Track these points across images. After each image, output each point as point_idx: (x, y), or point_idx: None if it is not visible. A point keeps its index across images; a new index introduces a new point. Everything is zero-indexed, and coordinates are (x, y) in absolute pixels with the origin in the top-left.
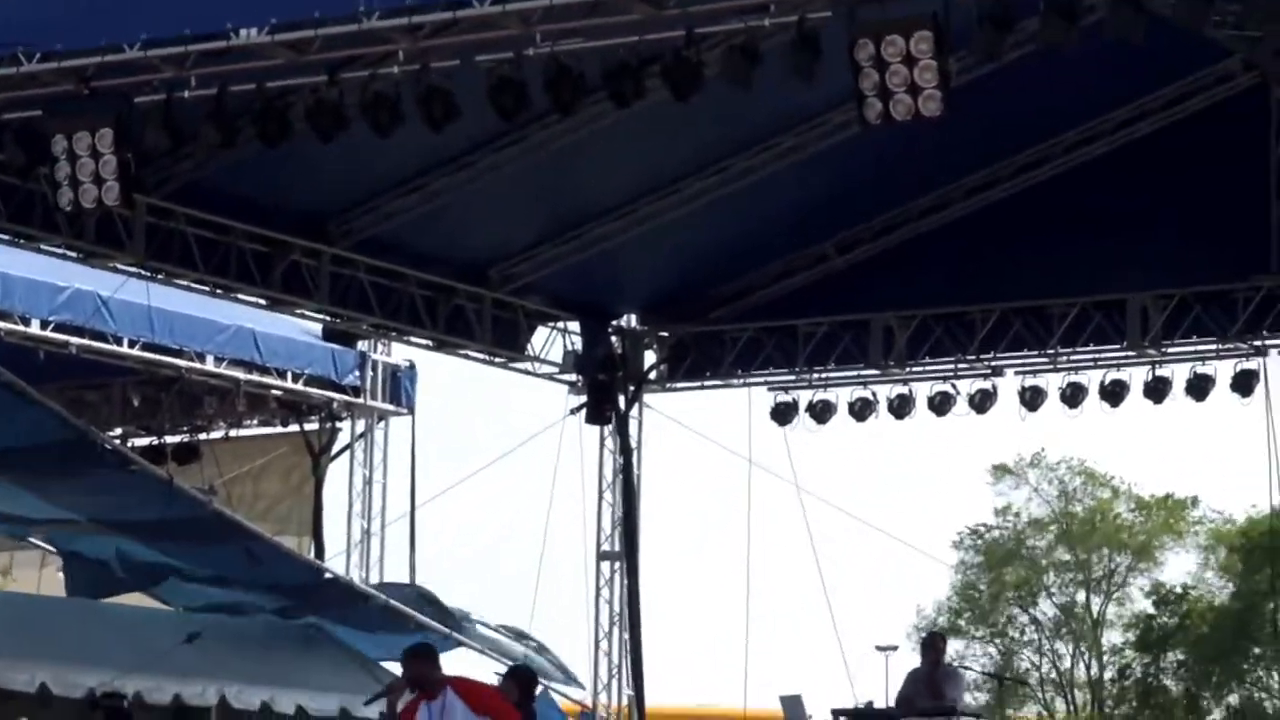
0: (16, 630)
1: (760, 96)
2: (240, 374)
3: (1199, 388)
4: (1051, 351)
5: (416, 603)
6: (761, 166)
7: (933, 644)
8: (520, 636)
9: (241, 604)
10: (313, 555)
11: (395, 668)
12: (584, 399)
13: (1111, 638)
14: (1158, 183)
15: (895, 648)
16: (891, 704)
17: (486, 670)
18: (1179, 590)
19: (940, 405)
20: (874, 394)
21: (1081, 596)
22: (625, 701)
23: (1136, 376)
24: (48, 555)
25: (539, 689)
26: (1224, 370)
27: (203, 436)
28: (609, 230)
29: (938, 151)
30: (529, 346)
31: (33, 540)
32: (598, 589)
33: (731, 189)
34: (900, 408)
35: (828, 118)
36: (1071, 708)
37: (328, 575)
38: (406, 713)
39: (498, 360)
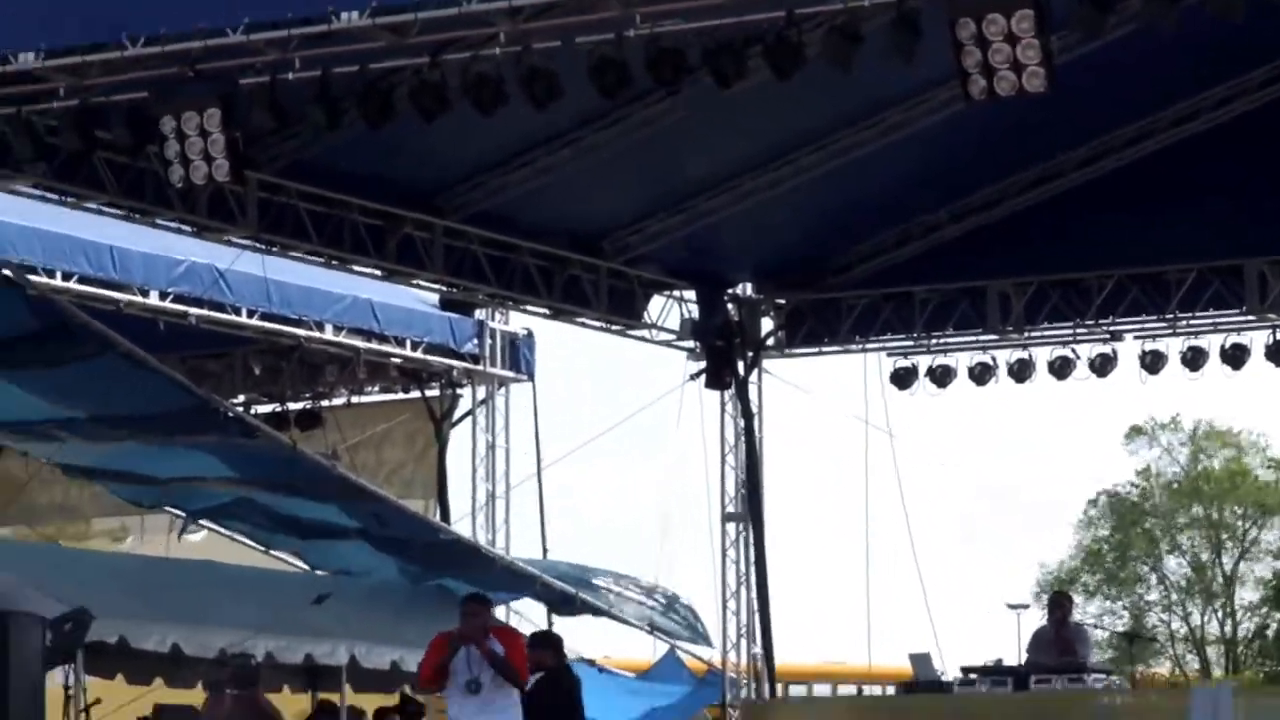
0: (148, 592)
1: (864, 72)
2: (360, 342)
3: None
4: (1170, 316)
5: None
6: (868, 141)
7: (1059, 602)
8: (650, 591)
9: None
10: (438, 519)
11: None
12: (703, 365)
13: (1246, 595)
14: (1263, 155)
15: (1026, 606)
16: (1021, 662)
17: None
18: None
19: (1060, 369)
20: (994, 358)
21: (1210, 556)
22: (754, 660)
23: (1258, 340)
24: (175, 520)
25: (666, 650)
26: None
27: (325, 403)
28: (715, 205)
29: (1044, 126)
30: (645, 314)
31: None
32: (724, 550)
33: (840, 162)
34: (1020, 372)
35: (933, 94)
36: (1204, 664)
37: (450, 537)
38: (441, 641)
39: (614, 328)
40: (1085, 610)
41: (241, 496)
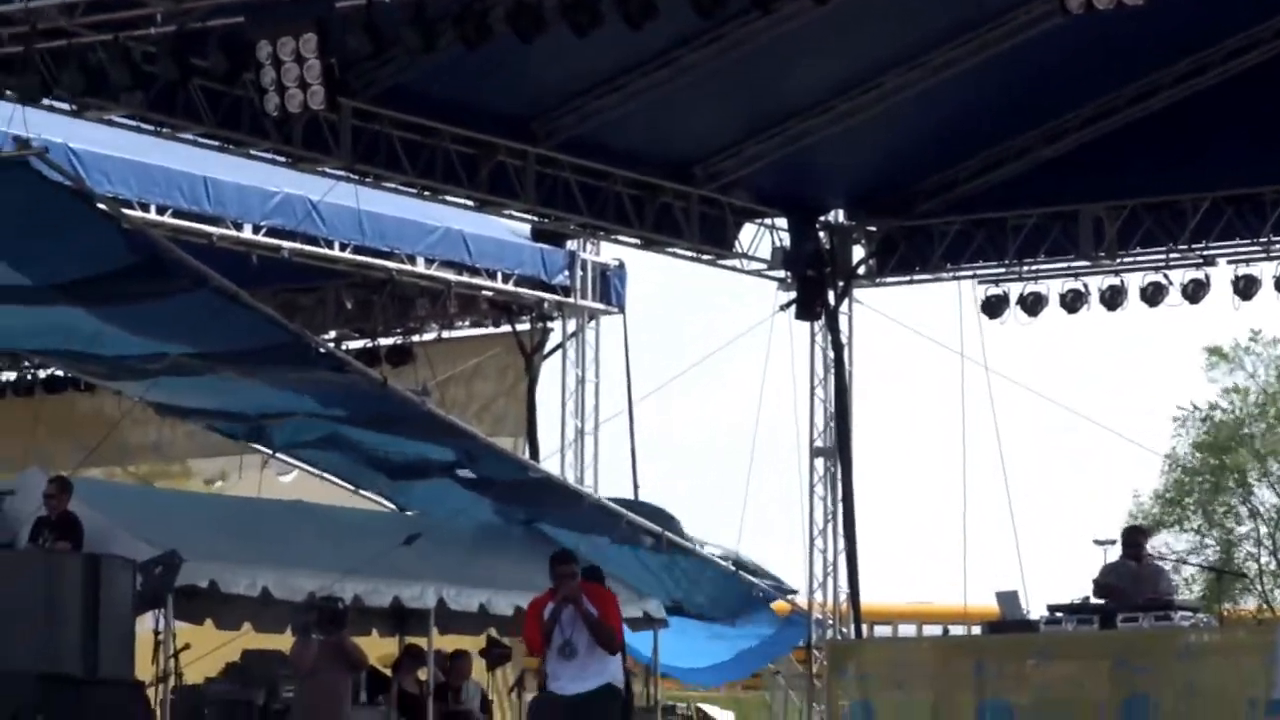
0: (238, 535)
1: None
2: (451, 275)
3: None
4: (1265, 240)
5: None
6: (963, 59)
7: (1134, 539)
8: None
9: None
10: (527, 456)
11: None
12: (793, 295)
13: None
14: None
15: (1113, 541)
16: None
17: None
18: None
19: (1153, 296)
20: (1085, 285)
21: None
22: (841, 600)
23: None
24: (268, 459)
25: (758, 591)
26: None
27: (415, 338)
28: (811, 126)
29: (1143, 38)
30: (736, 243)
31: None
32: (811, 486)
33: (933, 82)
34: (1112, 299)
35: (1030, 7)
36: None
37: (539, 475)
38: (539, 604)
39: (705, 258)
40: (1174, 547)
41: (333, 432)
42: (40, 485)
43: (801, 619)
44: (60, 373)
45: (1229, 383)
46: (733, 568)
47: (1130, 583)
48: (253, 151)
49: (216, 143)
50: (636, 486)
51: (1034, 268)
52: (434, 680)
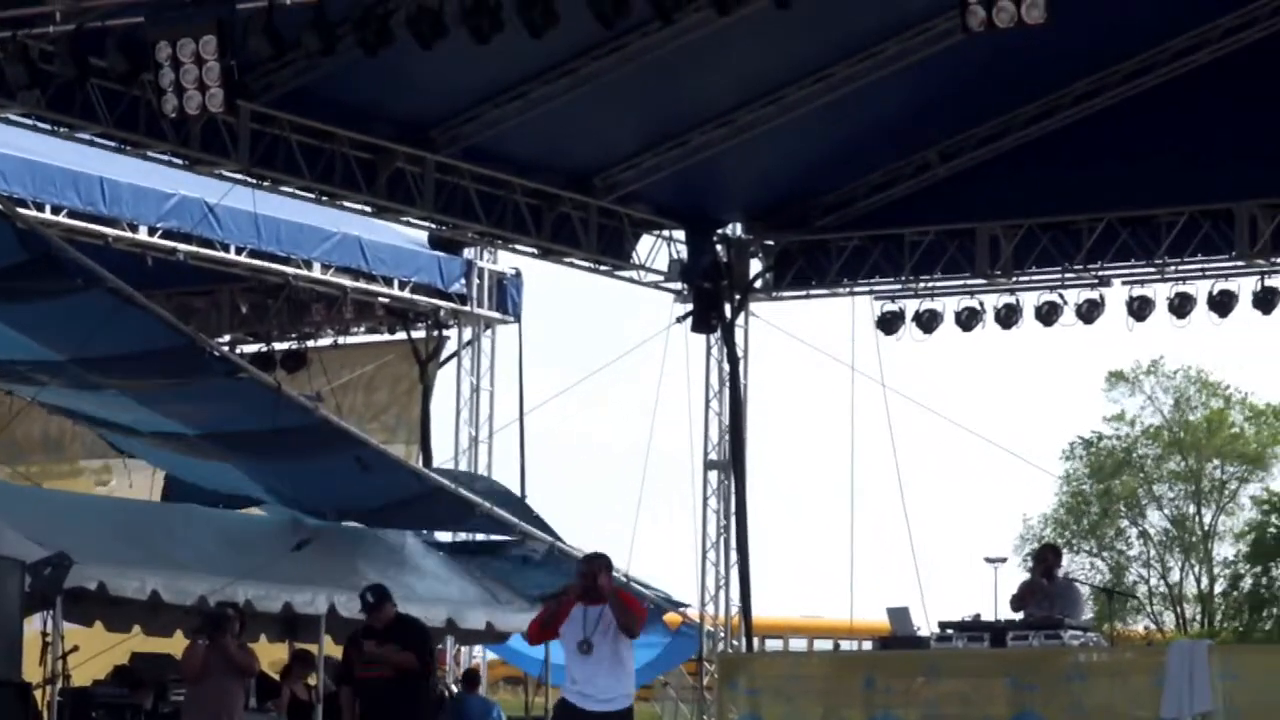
0: (129, 537)
1: (862, 3)
2: (347, 281)
3: None
4: (1159, 261)
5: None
6: (864, 74)
7: (1043, 557)
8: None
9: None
10: (420, 463)
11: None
12: (690, 307)
13: (1223, 551)
14: (1267, 91)
15: (1004, 560)
16: (999, 616)
17: None
18: None
19: (1047, 315)
20: (981, 303)
21: (1192, 509)
22: (732, 613)
23: (1245, 286)
24: None
25: (648, 603)
26: None
27: (310, 344)
28: (711, 138)
29: (1043, 59)
30: (634, 255)
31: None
32: (705, 499)
33: (834, 96)
34: (1007, 317)
35: (931, 24)
36: (1181, 621)
37: (435, 484)
38: (565, 609)
39: (603, 268)
40: (1071, 565)
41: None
42: None
43: (693, 631)
44: None
45: (1127, 405)
46: (625, 577)
47: (1043, 600)
48: (150, 153)
49: (113, 143)
50: (524, 494)
51: (930, 285)
52: (324, 688)
